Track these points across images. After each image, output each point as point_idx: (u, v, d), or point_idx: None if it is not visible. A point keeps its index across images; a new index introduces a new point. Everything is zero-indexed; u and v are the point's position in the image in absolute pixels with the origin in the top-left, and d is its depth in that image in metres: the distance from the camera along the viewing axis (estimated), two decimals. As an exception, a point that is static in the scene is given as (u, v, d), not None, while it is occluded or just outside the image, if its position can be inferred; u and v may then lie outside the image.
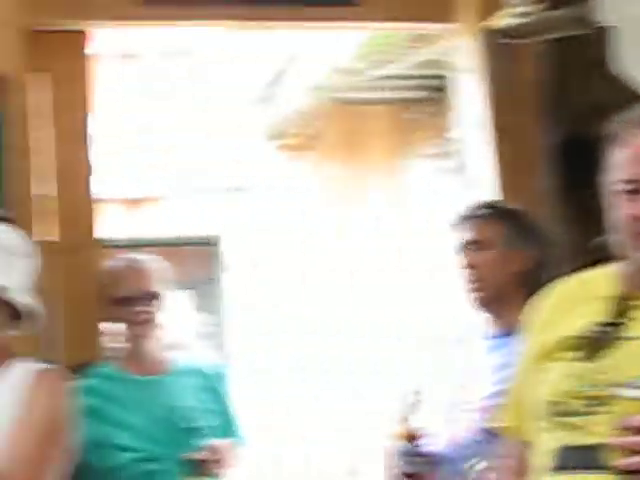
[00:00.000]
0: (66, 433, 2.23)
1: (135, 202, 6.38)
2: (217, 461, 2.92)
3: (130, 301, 3.00)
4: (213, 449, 2.92)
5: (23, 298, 2.23)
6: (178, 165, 6.43)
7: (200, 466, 2.88)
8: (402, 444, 2.60)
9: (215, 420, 3.06)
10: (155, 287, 3.05)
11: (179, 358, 3.18)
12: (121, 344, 3.09)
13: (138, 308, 3.00)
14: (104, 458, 2.89)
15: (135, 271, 3.06)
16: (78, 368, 2.98)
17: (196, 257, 6.72)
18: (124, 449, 2.90)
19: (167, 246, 5.81)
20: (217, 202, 6.55)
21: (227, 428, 3.11)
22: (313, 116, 6.17)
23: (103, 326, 3.20)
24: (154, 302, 3.04)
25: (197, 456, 2.88)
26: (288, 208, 6.51)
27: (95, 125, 3.25)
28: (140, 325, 3.02)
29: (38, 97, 3.15)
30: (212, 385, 3.14)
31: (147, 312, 3.01)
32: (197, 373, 3.14)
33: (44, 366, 2.29)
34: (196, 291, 6.82)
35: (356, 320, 6.36)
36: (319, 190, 6.60)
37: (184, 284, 6.59)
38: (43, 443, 2.15)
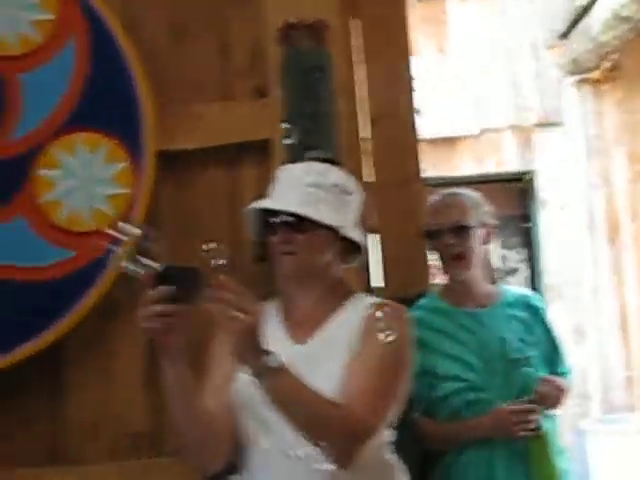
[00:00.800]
0: (407, 365, 2.24)
1: (451, 140, 6.46)
2: (552, 395, 2.93)
3: (440, 233, 3.04)
4: (549, 382, 2.94)
5: (355, 234, 2.30)
6: (488, 102, 6.46)
7: (536, 399, 2.89)
8: None
9: (542, 351, 3.04)
10: (467, 220, 3.04)
11: (504, 290, 3.18)
12: (445, 277, 3.13)
13: (448, 240, 3.02)
14: (433, 388, 2.96)
15: (447, 204, 3.08)
16: (403, 301, 3.07)
17: (510, 193, 6.73)
18: (453, 379, 2.95)
19: (483, 183, 5.87)
20: (529, 138, 6.55)
21: (554, 360, 3.09)
22: (615, 48, 6.01)
23: (429, 260, 3.27)
24: (465, 235, 3.02)
25: (536, 389, 2.90)
26: (591, 143, 6.41)
27: (415, 67, 3.33)
28: (453, 258, 3.03)
29: (359, 42, 3.26)
30: (539, 316, 3.10)
31: (457, 245, 3.02)
32: (523, 304, 3.10)
33: (381, 300, 2.34)
34: (509, 227, 6.83)
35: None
36: (621, 124, 6.45)
37: (498, 220, 6.66)
38: (386, 375, 2.15)
